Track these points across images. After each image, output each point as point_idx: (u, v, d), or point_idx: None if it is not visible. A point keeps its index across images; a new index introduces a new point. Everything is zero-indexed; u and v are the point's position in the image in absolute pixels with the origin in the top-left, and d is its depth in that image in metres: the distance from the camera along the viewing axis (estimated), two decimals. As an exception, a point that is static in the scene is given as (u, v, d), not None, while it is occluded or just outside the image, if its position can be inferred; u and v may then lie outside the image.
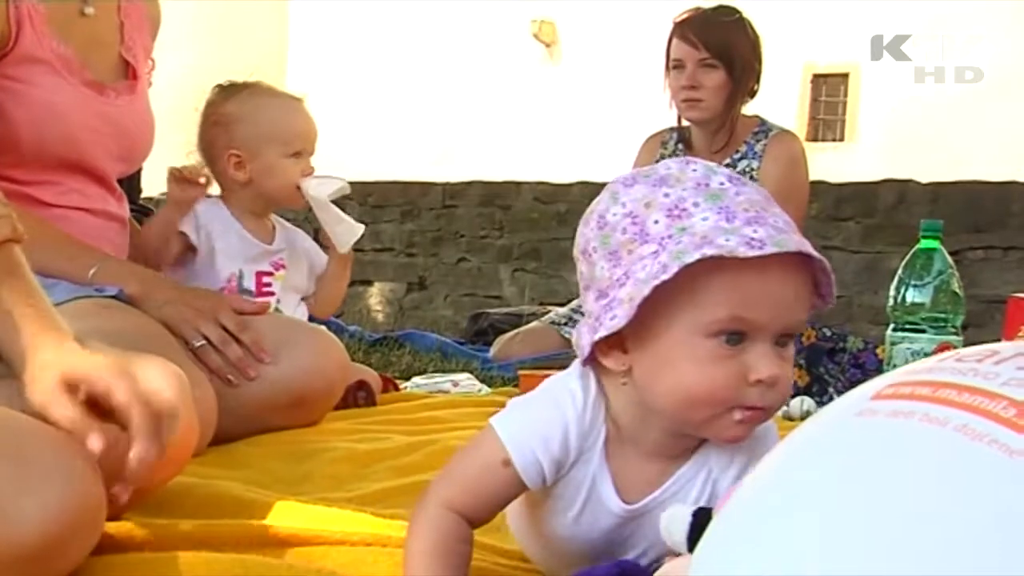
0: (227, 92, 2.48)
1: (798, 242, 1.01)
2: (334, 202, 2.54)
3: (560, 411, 1.11)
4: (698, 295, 1.02)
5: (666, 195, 1.04)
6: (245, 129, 2.43)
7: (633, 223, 1.05)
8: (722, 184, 1.05)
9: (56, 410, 1.20)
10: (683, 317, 1.03)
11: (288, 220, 2.66)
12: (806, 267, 1.03)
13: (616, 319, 1.04)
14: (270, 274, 2.48)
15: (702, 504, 1.09)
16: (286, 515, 1.50)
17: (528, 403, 1.15)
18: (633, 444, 1.13)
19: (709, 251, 0.98)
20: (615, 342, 1.07)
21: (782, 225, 1.02)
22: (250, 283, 2.43)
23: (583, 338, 1.10)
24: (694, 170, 1.07)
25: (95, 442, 1.15)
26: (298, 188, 2.47)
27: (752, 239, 0.99)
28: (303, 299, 2.56)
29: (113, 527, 1.31)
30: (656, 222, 1.04)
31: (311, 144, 2.51)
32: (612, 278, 1.06)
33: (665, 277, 0.99)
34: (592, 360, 1.10)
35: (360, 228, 2.58)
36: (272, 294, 2.46)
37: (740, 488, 0.77)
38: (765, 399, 1.03)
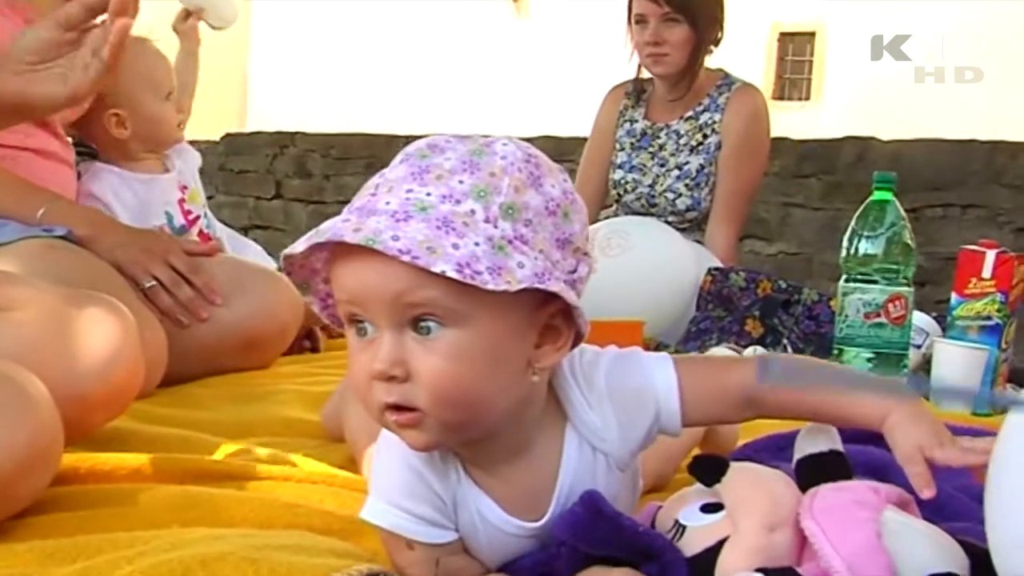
0: None
1: (358, 233, 0.91)
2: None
3: (407, 462, 1.04)
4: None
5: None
6: (117, 86, 2.39)
7: None
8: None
9: None
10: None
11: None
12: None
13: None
14: (182, 200, 2.48)
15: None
16: (231, 455, 1.51)
17: (379, 477, 1.07)
18: (486, 457, 1.04)
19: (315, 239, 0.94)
20: None
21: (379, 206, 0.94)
22: (180, 219, 2.43)
23: None
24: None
25: None
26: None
27: (320, 231, 0.93)
28: None
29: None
30: None
31: (173, 81, 2.50)
32: None
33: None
34: None
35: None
36: (198, 218, 2.47)
37: None
38: (391, 394, 0.94)
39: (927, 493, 1.01)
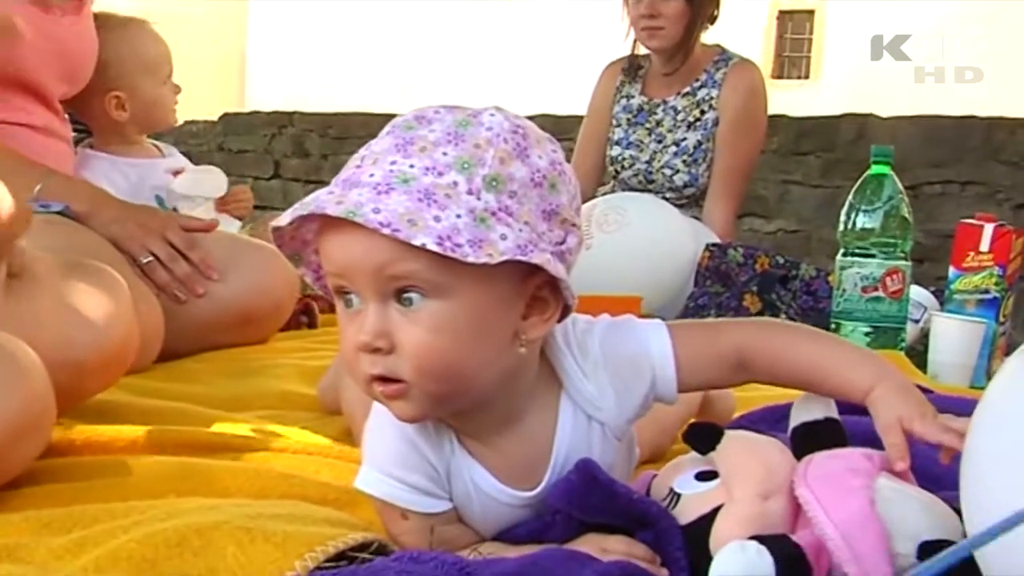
0: None
1: (340, 205, 0.91)
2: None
3: (400, 432, 1.03)
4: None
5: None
6: (117, 68, 2.38)
7: None
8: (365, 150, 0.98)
9: None
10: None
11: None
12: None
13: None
14: None
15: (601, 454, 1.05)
16: (227, 428, 1.51)
17: (373, 447, 1.07)
18: (479, 427, 1.04)
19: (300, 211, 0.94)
20: None
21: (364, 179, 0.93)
22: (171, 203, 2.43)
23: None
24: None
25: None
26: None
27: (305, 203, 0.93)
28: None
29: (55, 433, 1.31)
30: None
31: (171, 64, 2.50)
32: None
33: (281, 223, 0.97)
34: None
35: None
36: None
37: None
38: (376, 366, 0.95)
39: (900, 465, 1.00)
